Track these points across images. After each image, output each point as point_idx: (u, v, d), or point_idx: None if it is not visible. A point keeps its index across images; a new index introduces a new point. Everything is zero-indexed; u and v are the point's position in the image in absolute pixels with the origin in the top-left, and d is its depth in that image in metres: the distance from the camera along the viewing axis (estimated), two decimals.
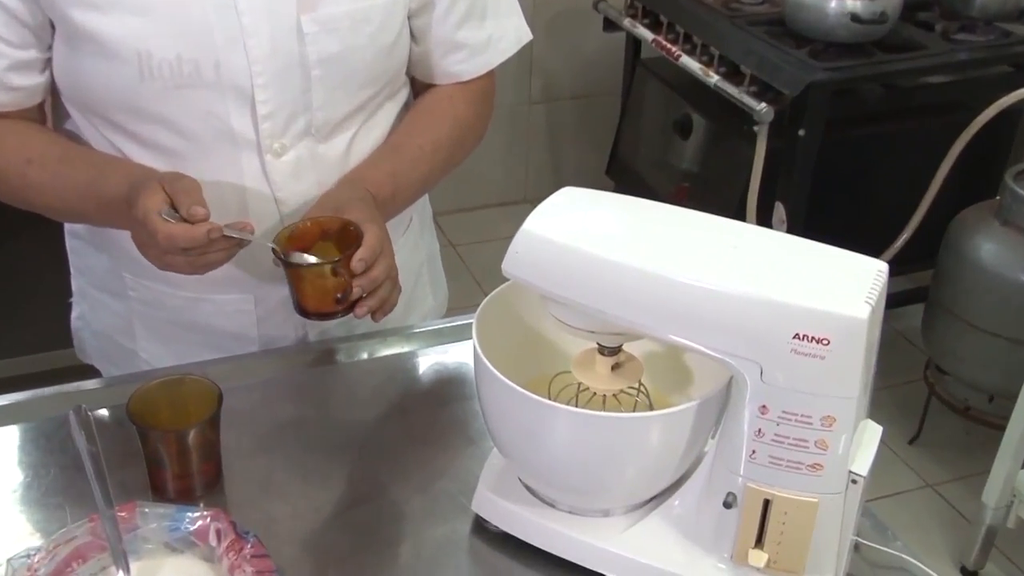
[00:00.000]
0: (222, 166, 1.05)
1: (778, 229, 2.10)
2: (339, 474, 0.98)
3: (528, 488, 0.91)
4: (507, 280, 0.86)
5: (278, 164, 1.07)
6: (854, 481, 0.79)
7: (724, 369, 0.80)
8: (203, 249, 0.97)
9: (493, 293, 0.91)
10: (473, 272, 1.42)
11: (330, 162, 1.11)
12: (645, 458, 0.84)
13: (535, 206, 0.84)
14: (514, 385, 0.82)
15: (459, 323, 1.18)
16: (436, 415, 1.06)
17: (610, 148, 2.73)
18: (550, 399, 0.86)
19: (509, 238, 0.82)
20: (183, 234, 0.96)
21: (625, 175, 2.68)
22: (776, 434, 0.78)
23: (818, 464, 0.78)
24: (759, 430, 0.78)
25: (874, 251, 0.86)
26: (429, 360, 1.15)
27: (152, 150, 1.05)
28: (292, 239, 1.02)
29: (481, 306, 0.90)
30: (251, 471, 0.98)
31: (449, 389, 1.12)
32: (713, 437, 0.85)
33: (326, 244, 1.03)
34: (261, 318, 1.15)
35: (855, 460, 0.80)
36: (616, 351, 0.87)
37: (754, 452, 0.79)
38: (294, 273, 1.01)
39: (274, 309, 1.15)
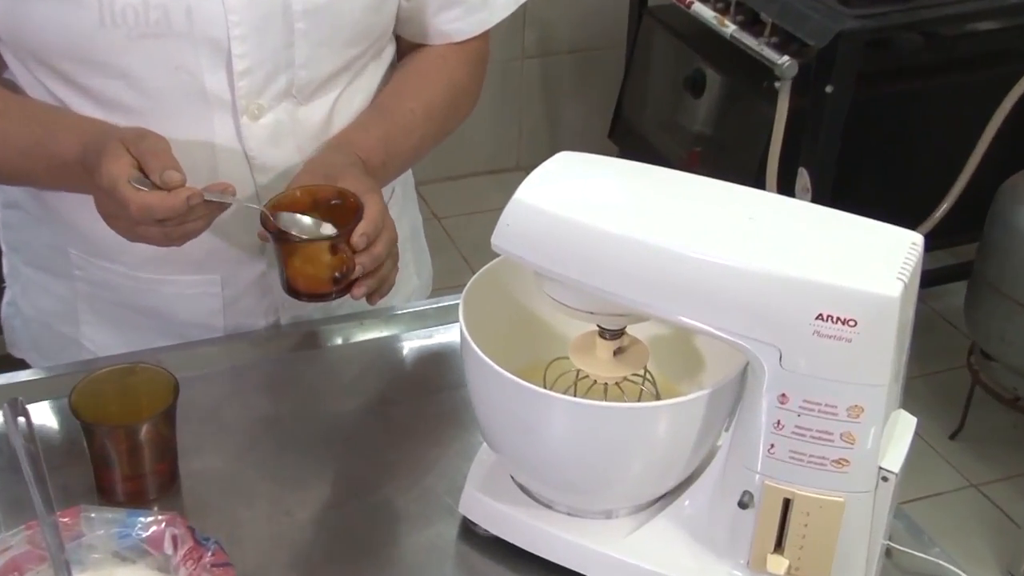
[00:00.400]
0: (190, 129, 1.04)
1: (802, 198, 2.11)
2: (312, 473, 0.99)
3: (521, 487, 0.92)
4: (497, 256, 0.86)
5: (255, 128, 1.07)
6: (885, 479, 0.80)
7: (739, 354, 0.81)
8: (181, 218, 0.96)
9: (482, 271, 0.92)
10: (460, 247, 1.43)
11: (311, 127, 1.11)
12: (652, 453, 0.85)
13: (528, 173, 0.85)
14: (505, 372, 0.83)
15: (445, 304, 1.19)
16: (420, 406, 1.07)
17: (613, 108, 2.73)
18: (545, 388, 0.86)
19: (499, 209, 0.83)
20: (160, 204, 0.94)
21: (630, 139, 2.68)
22: (797, 426, 0.79)
23: (844, 459, 0.79)
24: (778, 422, 0.79)
25: (911, 223, 0.87)
26: (412, 345, 1.16)
27: (107, 108, 1.04)
28: (279, 209, 1.01)
29: (469, 285, 0.90)
30: (212, 470, 0.98)
31: (434, 377, 1.12)
32: (727, 430, 0.86)
33: (316, 216, 1.02)
34: (228, 302, 1.15)
35: (886, 455, 0.81)
36: (619, 334, 0.88)
37: (772, 446, 0.80)
38: (287, 248, 1.00)
39: (243, 292, 1.15)
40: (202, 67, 1.02)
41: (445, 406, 1.06)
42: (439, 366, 1.14)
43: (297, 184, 1.04)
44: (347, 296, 1.02)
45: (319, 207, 1.02)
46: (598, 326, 0.88)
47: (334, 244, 0.99)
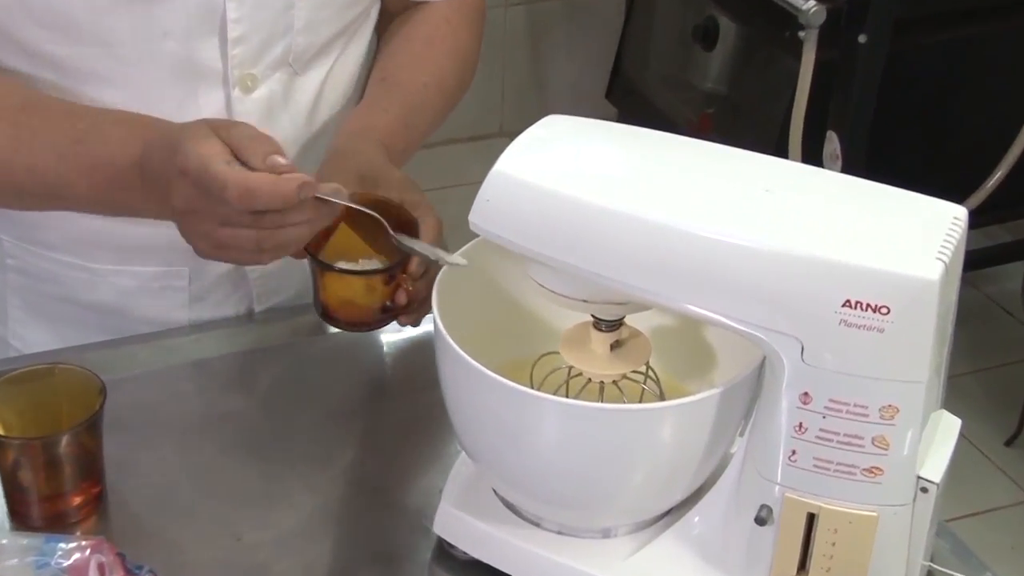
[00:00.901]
0: (173, 104, 1.04)
1: (830, 167, 2.11)
2: (263, 489, 1.00)
3: (505, 503, 0.93)
4: (476, 236, 0.87)
5: (247, 102, 1.08)
6: (924, 490, 0.81)
7: (755, 347, 0.81)
8: (284, 217, 0.90)
9: (458, 252, 0.92)
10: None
11: (304, 101, 1.13)
12: (655, 462, 0.86)
13: (512, 140, 0.86)
14: (485, 370, 0.83)
15: None
16: (388, 411, 1.08)
17: (611, 64, 2.74)
18: (533, 387, 0.87)
19: (479, 182, 0.84)
20: (266, 187, 0.87)
21: (630, 99, 2.69)
22: (822, 430, 0.80)
23: (877, 468, 0.80)
24: (800, 425, 0.80)
25: (959, 195, 0.88)
26: (377, 340, 1.16)
27: (74, 80, 1.02)
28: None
29: (443, 270, 0.91)
30: (146, 488, 0.99)
31: (403, 377, 1.14)
32: (741, 435, 0.87)
33: (352, 226, 1.02)
34: (195, 297, 1.16)
35: (925, 463, 0.81)
36: (616, 326, 0.89)
37: (794, 453, 0.81)
38: (333, 277, 1.00)
39: (213, 286, 1.16)
40: (192, 33, 1.03)
41: (417, 410, 1.07)
42: (409, 364, 1.15)
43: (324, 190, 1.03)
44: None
45: (351, 214, 1.01)
46: (592, 316, 0.88)
47: (390, 275, 1.00)
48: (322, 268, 1.00)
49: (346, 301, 1.02)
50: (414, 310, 1.03)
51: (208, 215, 0.91)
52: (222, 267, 1.14)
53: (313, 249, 1.00)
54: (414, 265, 0.99)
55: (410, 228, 1.00)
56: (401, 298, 1.00)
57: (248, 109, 1.08)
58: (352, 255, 1.02)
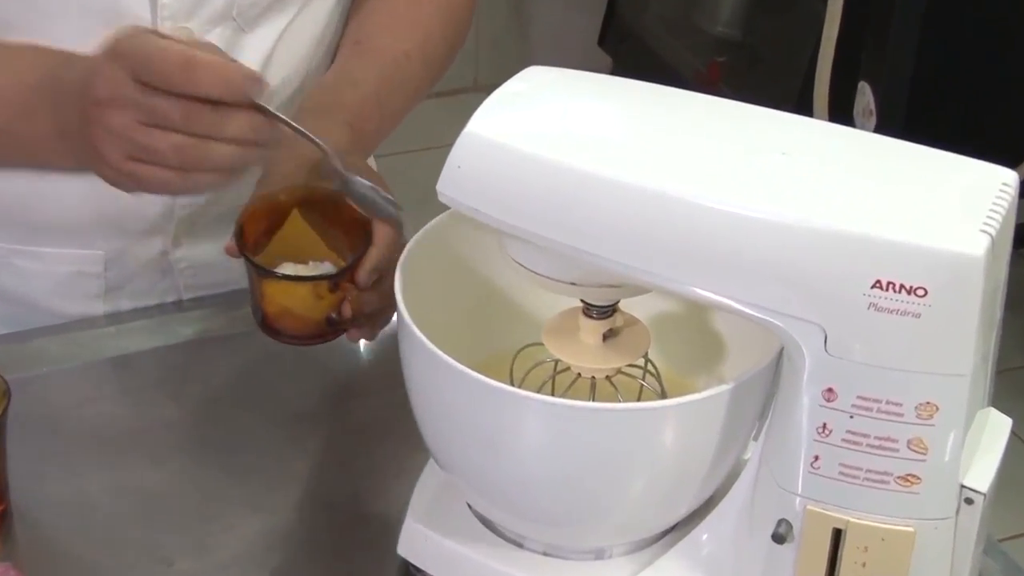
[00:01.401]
0: None
1: (863, 125, 2.11)
2: (199, 504, 1.00)
3: (482, 519, 0.93)
4: (445, 208, 0.87)
5: None
6: (969, 501, 0.81)
7: (771, 336, 0.82)
8: (217, 122, 0.89)
9: (425, 229, 0.93)
10: (399, 197, 1.44)
11: (250, 62, 1.11)
12: (656, 470, 0.86)
13: (488, 95, 0.86)
14: (458, 365, 0.83)
15: None
16: (346, 413, 1.09)
17: (604, 6, 2.74)
18: (513, 385, 0.88)
19: (449, 145, 0.84)
20: (213, 66, 0.88)
21: (627, 47, 2.68)
22: (850, 431, 0.80)
23: (913, 476, 0.80)
24: (824, 426, 0.81)
25: (1008, 158, 0.88)
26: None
27: None
28: (257, 217, 1.02)
29: (407, 249, 0.91)
30: (58, 503, 0.99)
31: (365, 375, 1.15)
32: (756, 439, 0.88)
33: (298, 221, 1.03)
34: (112, 287, 1.16)
35: (970, 470, 0.82)
36: (609, 313, 0.89)
37: (817, 459, 0.82)
38: (270, 283, 1.01)
39: (133, 275, 1.17)
40: None
41: (379, 413, 1.08)
42: (370, 360, 1.16)
43: (277, 177, 1.04)
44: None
45: (303, 206, 1.03)
46: (581, 301, 0.89)
47: (335, 283, 1.00)
48: (258, 272, 1.00)
49: (285, 310, 1.02)
50: (365, 323, 1.02)
51: (131, 105, 0.90)
52: (144, 255, 1.14)
53: (252, 247, 1.00)
54: (363, 273, 0.98)
55: (363, 232, 1.00)
56: (346, 310, 1.00)
57: None
58: (302, 254, 1.02)
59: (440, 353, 0.84)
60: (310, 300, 1.00)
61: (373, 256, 0.99)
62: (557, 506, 0.88)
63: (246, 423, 1.08)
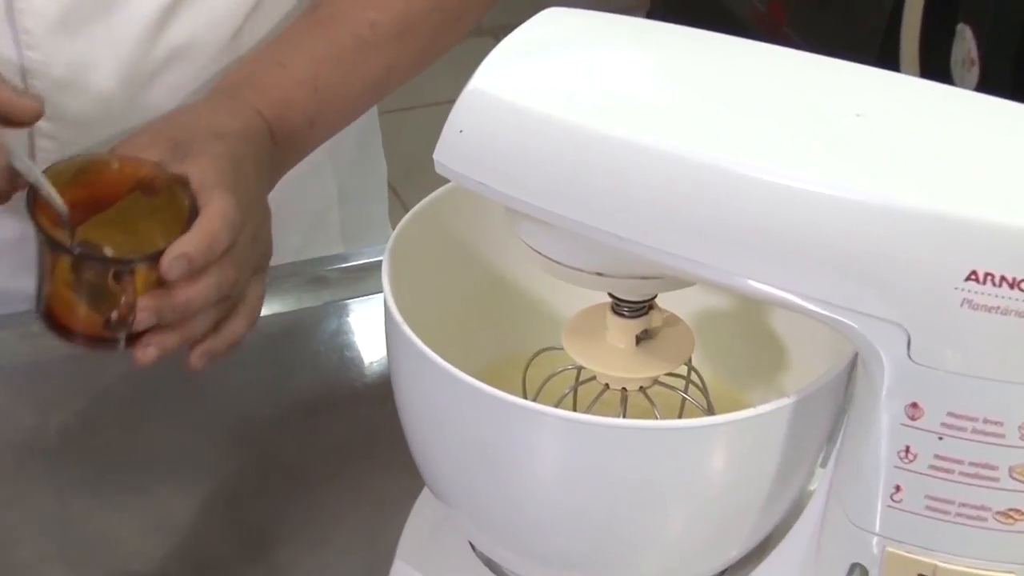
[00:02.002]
0: None
1: (962, 78, 2.10)
2: (146, 536, 1.01)
3: (486, 560, 0.94)
4: (444, 181, 0.88)
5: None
6: None
7: (842, 340, 0.82)
8: None
9: (419, 207, 0.93)
10: (390, 165, 1.44)
11: (139, 19, 1.14)
12: (700, 503, 0.87)
13: (496, 43, 0.86)
14: (458, 372, 0.83)
15: (359, 263, 1.22)
16: (319, 429, 1.10)
17: None
18: (527, 397, 0.88)
19: (449, 103, 0.84)
20: None
21: None
22: (939, 456, 0.80)
23: (1016, 511, 0.80)
24: (907, 450, 0.80)
25: None
26: (300, 330, 1.18)
27: None
28: (79, 185, 1.02)
29: (397, 231, 0.92)
30: None
31: (344, 383, 1.15)
32: (823, 465, 0.88)
33: (137, 205, 1.03)
34: None
35: None
36: (644, 310, 0.89)
37: (899, 490, 0.81)
38: (53, 256, 1.00)
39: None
40: None
41: (358, 430, 1.09)
42: (346, 366, 1.16)
43: (121, 151, 1.04)
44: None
45: (142, 189, 1.03)
46: (610, 297, 0.89)
47: (122, 270, 0.98)
48: (47, 243, 0.99)
49: (61, 298, 1.01)
50: (159, 341, 1.00)
51: None
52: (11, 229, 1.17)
53: (53, 216, 0.99)
54: (169, 257, 0.96)
55: (191, 217, 0.99)
56: (123, 310, 0.98)
57: (37, 8, 1.10)
58: (136, 242, 1.01)
59: (436, 358, 0.84)
60: (100, 290, 0.99)
61: (184, 242, 0.97)
62: (578, 546, 0.89)
63: (176, 436, 1.09)
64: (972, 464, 0.80)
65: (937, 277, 0.76)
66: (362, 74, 1.18)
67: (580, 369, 0.90)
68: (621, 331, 0.89)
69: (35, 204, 0.99)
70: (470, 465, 0.89)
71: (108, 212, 1.02)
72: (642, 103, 0.84)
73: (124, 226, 1.02)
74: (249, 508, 1.04)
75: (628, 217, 0.81)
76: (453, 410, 0.86)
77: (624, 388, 0.90)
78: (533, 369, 0.92)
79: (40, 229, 0.98)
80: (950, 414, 0.79)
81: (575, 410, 0.89)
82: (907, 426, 0.80)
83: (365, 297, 1.20)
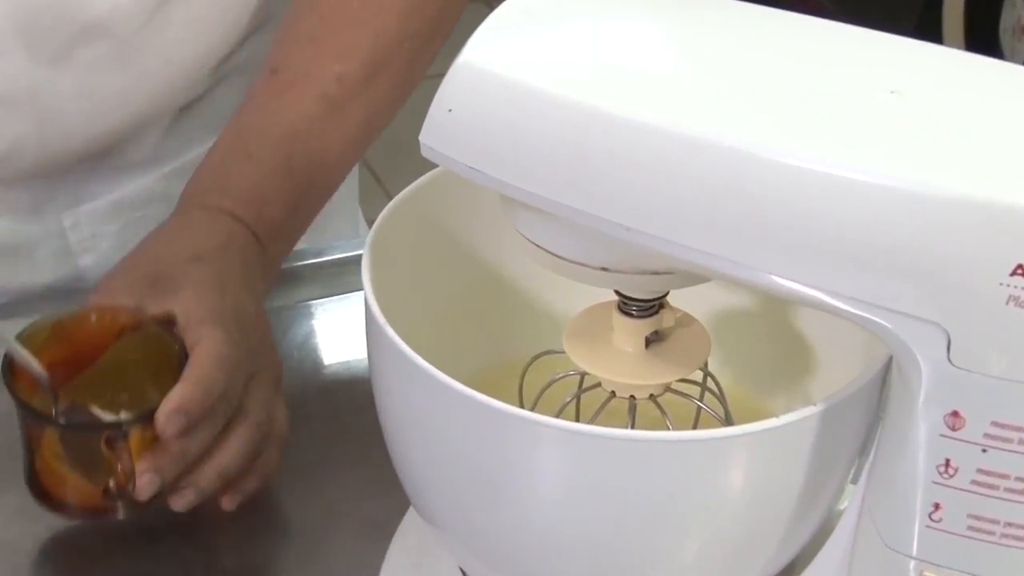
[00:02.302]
0: None
1: (1013, 50, 2.10)
2: (109, 556, 1.03)
3: None
4: (432, 166, 0.88)
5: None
6: None
7: (874, 342, 0.82)
8: None
9: (402, 195, 0.93)
10: (370, 147, 1.44)
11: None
12: (718, 524, 0.87)
13: (490, 11, 0.85)
14: (447, 379, 0.83)
15: (336, 257, 1.24)
16: (297, 443, 1.09)
17: None
18: (524, 407, 0.88)
19: (436, 78, 0.84)
20: None
21: None
22: (982, 471, 0.80)
23: None
24: (947, 463, 0.80)
25: None
26: (280, 333, 1.18)
27: None
28: (56, 345, 1.02)
29: (378, 223, 0.92)
30: None
31: (317, 390, 1.16)
32: (854, 482, 0.88)
33: (119, 357, 1.03)
34: None
35: None
36: (655, 309, 0.89)
37: (938, 508, 0.81)
38: (37, 428, 1.01)
39: None
40: None
41: (335, 444, 1.09)
42: (321, 373, 1.17)
43: (94, 302, 1.06)
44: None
45: (125, 348, 1.03)
46: (616, 294, 0.89)
47: (115, 436, 0.99)
48: (28, 416, 0.99)
49: (52, 471, 1.01)
50: (182, 497, 1.01)
51: None
52: None
53: (30, 385, 1.00)
54: (163, 415, 0.96)
55: (180, 365, 1.00)
56: (120, 477, 0.99)
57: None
58: (127, 397, 1.02)
59: (423, 363, 0.84)
60: (93, 459, 0.99)
61: (180, 392, 0.98)
62: (581, 573, 0.89)
63: None
64: (1019, 479, 0.80)
65: (980, 271, 0.76)
66: (339, 137, 1.19)
67: (583, 375, 0.90)
68: (629, 332, 0.89)
69: (11, 372, 1.00)
70: (461, 483, 0.89)
71: (91, 370, 1.03)
72: (653, 78, 0.84)
73: (111, 382, 1.03)
74: (216, 531, 1.04)
75: (637, 206, 0.80)
76: (442, 421, 0.86)
77: (632, 396, 0.90)
78: (531, 375, 0.93)
79: (19, 402, 0.99)
80: (994, 423, 0.79)
81: (578, 421, 0.90)
82: (947, 437, 0.80)
83: (342, 295, 1.20)
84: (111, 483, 0.99)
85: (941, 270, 0.77)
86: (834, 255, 0.79)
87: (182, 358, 1.00)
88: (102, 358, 1.03)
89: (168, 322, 1.02)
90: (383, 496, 1.03)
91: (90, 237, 1.34)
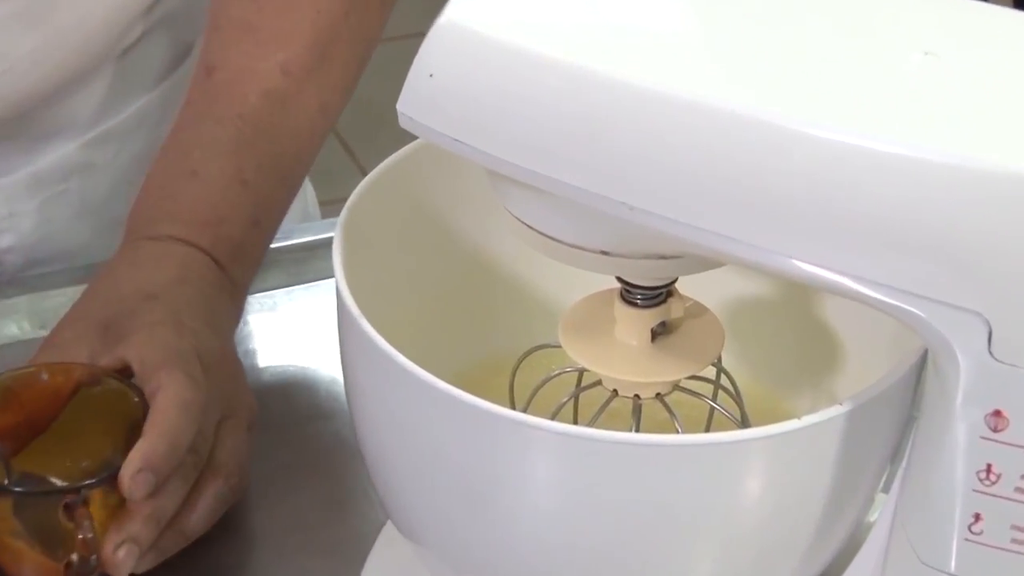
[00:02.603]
0: None
1: None
2: None
3: None
4: (412, 138, 0.88)
5: None
6: None
7: (907, 334, 0.82)
8: None
9: (379, 170, 0.93)
10: (339, 122, 1.43)
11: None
12: (733, 536, 0.87)
13: None
14: (429, 376, 0.83)
15: (304, 240, 1.24)
16: (260, 452, 1.09)
17: None
18: (516, 407, 0.89)
19: (416, 38, 0.84)
20: None
21: None
22: None
23: None
24: (988, 469, 0.80)
25: None
26: (239, 327, 1.18)
27: None
28: (5, 409, 1.03)
29: (352, 201, 0.92)
30: None
31: (286, 395, 1.16)
32: (885, 491, 0.88)
33: (83, 423, 1.04)
34: None
35: None
36: (661, 298, 0.89)
37: (978, 519, 0.81)
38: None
39: None
40: None
41: (303, 453, 1.10)
42: (287, 371, 1.18)
43: (39, 358, 1.06)
44: None
45: (81, 406, 1.04)
46: (618, 281, 0.89)
47: (73, 503, 0.98)
48: None
49: (8, 548, 1.01)
50: (149, 557, 1.01)
51: None
52: None
53: None
54: (127, 476, 0.97)
55: (142, 417, 1.00)
56: (83, 548, 0.98)
57: None
58: (88, 461, 1.03)
59: (402, 359, 0.84)
60: (51, 530, 0.99)
61: (144, 448, 0.98)
62: None
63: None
64: None
65: None
66: (292, 135, 1.19)
67: (581, 372, 0.90)
68: (632, 324, 0.90)
69: None
70: (445, 493, 0.89)
71: (46, 434, 1.03)
72: (658, 38, 0.84)
73: (68, 446, 1.03)
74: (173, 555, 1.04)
75: (641, 182, 0.80)
76: (424, 425, 0.86)
77: (636, 395, 0.90)
78: (523, 373, 0.93)
79: None
80: None
81: (576, 423, 0.89)
82: (988, 440, 0.80)
83: (310, 283, 1.20)
84: (73, 557, 0.99)
85: (981, 252, 0.77)
86: (863, 236, 0.78)
87: (142, 411, 1.00)
88: (57, 420, 1.04)
89: (125, 372, 1.02)
90: (356, 510, 1.03)
91: (7, 216, 1.34)
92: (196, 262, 1.10)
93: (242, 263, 1.13)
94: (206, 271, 1.10)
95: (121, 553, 0.98)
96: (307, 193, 1.50)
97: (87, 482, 0.98)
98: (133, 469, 0.96)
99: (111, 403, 1.02)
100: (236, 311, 1.13)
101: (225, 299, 1.11)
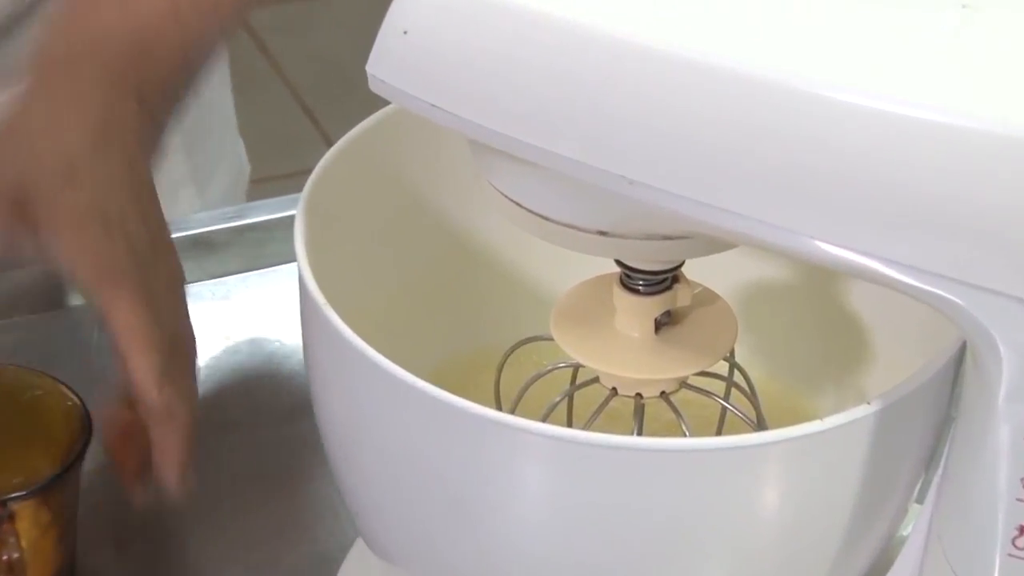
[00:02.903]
0: None
1: None
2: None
3: None
4: (383, 103, 0.88)
5: None
6: None
7: (943, 324, 0.81)
8: None
9: (345, 140, 0.93)
10: (300, 85, 1.42)
11: None
12: (749, 551, 0.87)
13: None
14: (407, 375, 0.83)
15: (260, 219, 1.24)
16: (214, 458, 1.09)
17: None
18: (503, 408, 0.89)
19: None
20: None
21: None
22: None
23: None
24: None
25: None
26: (191, 315, 1.18)
27: None
28: None
29: (315, 175, 0.92)
30: None
31: (244, 394, 1.17)
32: (919, 501, 0.88)
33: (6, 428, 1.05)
34: None
35: None
36: (666, 284, 0.89)
37: (1022, 532, 0.82)
38: None
39: None
40: None
41: (262, 459, 1.11)
42: (244, 368, 1.18)
43: None
44: None
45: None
46: (618, 265, 0.89)
47: (12, 512, 0.99)
48: None
49: None
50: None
51: None
52: None
53: None
54: (158, 395, 0.98)
55: (84, 430, 1.01)
56: (9, 565, 0.99)
57: None
58: (20, 472, 1.03)
59: (373, 354, 0.84)
60: None
61: (140, 366, 0.99)
62: None
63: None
64: None
65: None
66: None
67: (576, 368, 0.90)
68: (634, 314, 0.90)
69: None
70: (423, 506, 0.89)
71: None
72: None
73: None
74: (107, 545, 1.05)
75: (643, 152, 0.80)
76: (399, 427, 0.86)
77: (639, 394, 0.90)
78: (511, 369, 0.93)
79: None
80: None
81: (570, 425, 0.90)
82: None
83: (268, 269, 1.20)
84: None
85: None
86: (894, 213, 0.78)
87: (76, 414, 1.01)
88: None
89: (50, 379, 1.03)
90: (322, 527, 1.03)
91: None
92: (121, 110, 1.09)
93: (166, 110, 1.13)
94: (131, 121, 1.09)
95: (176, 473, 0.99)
96: (241, 155, 1.50)
97: (14, 495, 0.98)
98: (154, 386, 0.98)
99: (37, 401, 1.03)
100: (158, 159, 1.12)
101: (148, 152, 1.10)
